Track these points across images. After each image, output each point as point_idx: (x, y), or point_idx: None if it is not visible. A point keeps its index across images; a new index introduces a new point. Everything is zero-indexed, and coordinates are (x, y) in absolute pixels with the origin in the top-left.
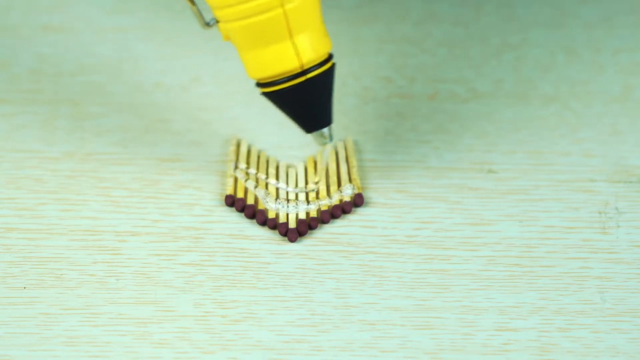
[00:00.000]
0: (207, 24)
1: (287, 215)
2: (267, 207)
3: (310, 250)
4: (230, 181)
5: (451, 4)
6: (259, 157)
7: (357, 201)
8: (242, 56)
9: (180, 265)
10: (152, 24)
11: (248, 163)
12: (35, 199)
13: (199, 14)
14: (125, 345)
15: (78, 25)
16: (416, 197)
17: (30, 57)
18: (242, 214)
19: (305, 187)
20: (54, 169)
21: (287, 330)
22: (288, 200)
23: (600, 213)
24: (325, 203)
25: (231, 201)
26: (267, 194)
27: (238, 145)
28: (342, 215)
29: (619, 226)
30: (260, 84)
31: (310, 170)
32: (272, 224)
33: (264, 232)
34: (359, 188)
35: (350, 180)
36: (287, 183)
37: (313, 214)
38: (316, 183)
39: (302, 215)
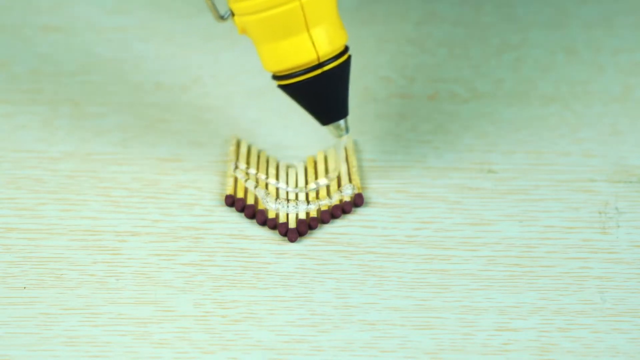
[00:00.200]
0: (222, 17)
1: (287, 215)
2: (267, 207)
3: (310, 250)
4: (230, 181)
5: (451, 4)
6: (259, 157)
7: (357, 201)
8: (259, 49)
9: (180, 265)
10: (152, 24)
11: (248, 163)
12: (35, 199)
13: (214, 7)
14: (125, 345)
15: (78, 25)
16: (416, 197)
17: (30, 57)
18: (242, 214)
19: (305, 187)
20: (54, 169)
21: (287, 330)
22: (288, 200)
23: (600, 213)
24: (325, 203)
25: (231, 201)
26: (267, 194)
27: (238, 145)
28: (342, 215)
29: (619, 226)
30: (276, 77)
31: (310, 170)
32: (272, 224)
33: (264, 232)
34: (359, 188)
35: (350, 180)
36: (287, 183)
37: (313, 214)
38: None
39: (302, 215)
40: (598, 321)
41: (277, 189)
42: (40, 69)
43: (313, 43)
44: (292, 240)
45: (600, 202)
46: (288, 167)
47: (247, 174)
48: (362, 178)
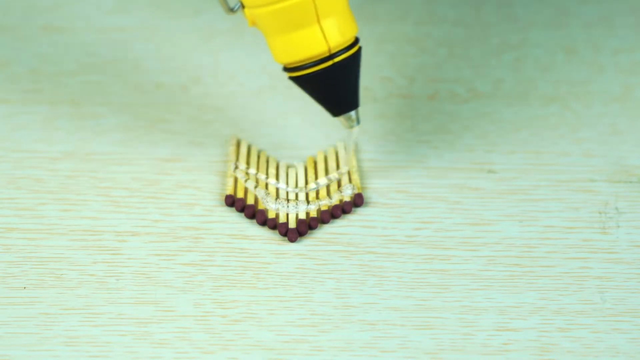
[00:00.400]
0: (232, 10)
1: (287, 215)
2: (267, 207)
3: (310, 250)
4: (230, 181)
5: (451, 4)
6: (259, 157)
7: (357, 201)
8: (269, 41)
9: (180, 265)
10: (152, 24)
11: (248, 163)
12: (35, 199)
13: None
14: (125, 345)
15: (78, 25)
16: (416, 197)
17: (30, 57)
18: (242, 214)
19: (305, 187)
20: (54, 169)
21: (287, 330)
22: (288, 200)
23: (600, 213)
24: (325, 203)
25: (231, 201)
26: (267, 193)
27: (238, 145)
28: (342, 215)
29: (619, 226)
30: (287, 69)
31: (310, 170)
32: (272, 224)
33: (264, 232)
34: (359, 188)
35: (350, 180)
36: (287, 183)
37: (313, 214)
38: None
39: (302, 215)
40: (598, 321)
41: (277, 189)
42: (40, 69)
43: (324, 35)
44: (292, 240)
45: (600, 202)
46: (288, 167)
47: (247, 174)
48: (362, 178)
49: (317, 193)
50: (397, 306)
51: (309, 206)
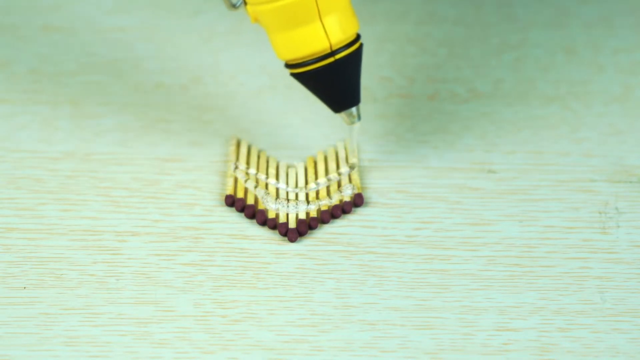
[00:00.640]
0: (234, 6)
1: (287, 215)
2: (267, 207)
3: (310, 250)
4: (230, 181)
5: (451, 4)
6: (259, 157)
7: (357, 201)
8: (271, 38)
9: (180, 265)
10: (152, 24)
11: (248, 163)
12: (35, 199)
13: None
14: (125, 345)
15: (78, 25)
16: (416, 197)
17: (30, 57)
18: (242, 214)
19: (305, 187)
20: (54, 169)
21: (287, 330)
22: (288, 200)
23: (600, 213)
24: (325, 203)
25: (231, 201)
26: (267, 193)
27: (238, 145)
28: (342, 215)
29: (619, 226)
30: (289, 65)
31: (310, 170)
32: (272, 224)
33: (264, 232)
34: (358, 188)
35: (350, 180)
36: (287, 183)
37: (313, 214)
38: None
39: (302, 215)
40: (598, 321)
41: (277, 189)
42: (40, 69)
43: (325, 32)
44: (292, 240)
45: (600, 202)
46: (288, 167)
47: (247, 174)
48: (362, 178)
49: (317, 193)
50: (397, 306)
51: (309, 206)
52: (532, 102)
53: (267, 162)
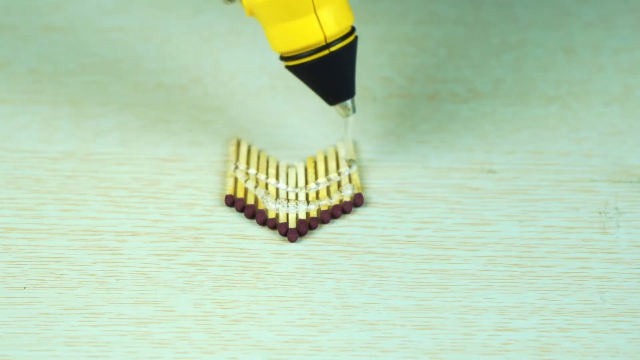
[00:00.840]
0: (230, 0)
1: (287, 215)
2: (267, 207)
3: (310, 250)
4: (230, 181)
5: (451, 4)
6: (259, 157)
7: (357, 201)
8: (266, 30)
9: (180, 265)
10: (152, 24)
11: (248, 163)
12: (35, 199)
13: None
14: (125, 345)
15: (78, 25)
16: (416, 197)
17: (30, 57)
18: (242, 214)
19: (305, 187)
20: (54, 169)
21: (287, 330)
22: (288, 200)
23: (600, 213)
24: (325, 203)
25: (231, 201)
26: (267, 193)
27: (238, 145)
28: (342, 215)
29: (619, 226)
30: (284, 58)
31: (310, 170)
32: (272, 224)
33: (264, 232)
34: (359, 188)
35: (350, 180)
36: (287, 183)
37: (313, 214)
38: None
39: (302, 215)
40: (598, 321)
41: (277, 189)
42: (40, 69)
43: (320, 24)
44: (292, 240)
45: (600, 202)
46: (288, 167)
47: (247, 174)
48: (362, 178)
49: (317, 193)
50: (397, 306)
51: (309, 206)
52: (532, 102)
53: (267, 162)
